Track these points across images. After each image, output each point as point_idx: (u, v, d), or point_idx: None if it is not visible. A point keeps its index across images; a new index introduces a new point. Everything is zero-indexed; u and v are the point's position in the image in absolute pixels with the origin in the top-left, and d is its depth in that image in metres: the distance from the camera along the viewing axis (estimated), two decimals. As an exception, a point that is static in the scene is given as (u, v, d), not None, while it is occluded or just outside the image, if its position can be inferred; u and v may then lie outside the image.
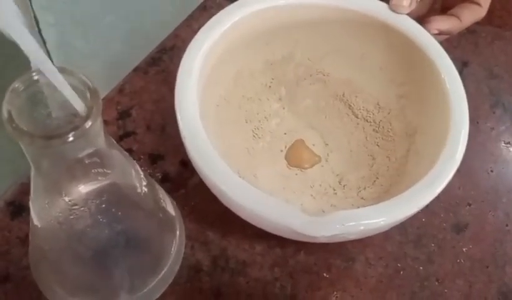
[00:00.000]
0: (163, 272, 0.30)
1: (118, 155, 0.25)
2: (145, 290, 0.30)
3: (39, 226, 0.25)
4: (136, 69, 0.42)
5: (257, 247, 0.35)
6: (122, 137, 0.38)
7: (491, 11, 0.49)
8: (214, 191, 0.30)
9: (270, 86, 0.40)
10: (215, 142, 0.31)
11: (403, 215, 0.27)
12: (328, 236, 0.26)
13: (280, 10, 0.36)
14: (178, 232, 0.31)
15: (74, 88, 0.20)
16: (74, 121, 0.20)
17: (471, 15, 0.37)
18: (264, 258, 0.34)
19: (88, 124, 0.20)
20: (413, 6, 0.35)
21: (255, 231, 0.35)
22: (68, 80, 0.20)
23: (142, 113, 0.40)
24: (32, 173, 0.23)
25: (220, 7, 0.35)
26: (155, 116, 0.40)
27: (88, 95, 0.20)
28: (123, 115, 0.39)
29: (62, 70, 0.20)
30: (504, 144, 0.41)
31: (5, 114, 0.19)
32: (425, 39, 0.35)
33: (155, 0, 0.47)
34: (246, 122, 0.38)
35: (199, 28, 0.34)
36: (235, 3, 0.34)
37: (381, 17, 0.35)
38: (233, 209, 0.30)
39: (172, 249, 0.30)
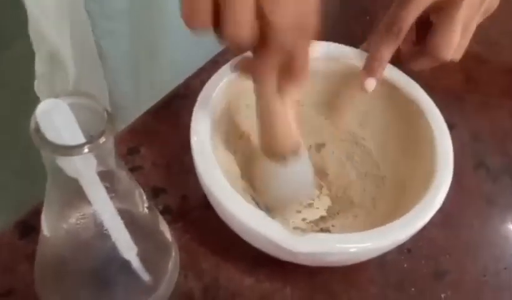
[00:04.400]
0: (156, 293, 0.32)
1: (125, 177, 0.28)
2: (138, 310, 0.32)
3: (48, 235, 0.28)
4: (147, 112, 0.46)
5: (246, 281, 0.37)
6: (130, 170, 0.41)
7: (478, 80, 0.53)
8: (210, 199, 0.34)
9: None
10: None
11: (375, 246, 0.30)
12: (305, 253, 0.29)
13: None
14: (173, 257, 0.33)
15: (94, 110, 0.24)
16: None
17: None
18: (252, 292, 0.36)
19: (102, 139, 0.23)
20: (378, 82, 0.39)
21: (246, 266, 0.37)
22: (89, 103, 0.24)
23: (150, 151, 0.43)
24: (48, 185, 0.26)
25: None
26: (162, 155, 0.43)
27: (105, 117, 0.24)
28: (132, 151, 0.43)
29: (85, 94, 0.24)
30: (486, 203, 0.44)
31: (32, 125, 0.22)
32: (417, 92, 0.39)
33: (175, 52, 0.52)
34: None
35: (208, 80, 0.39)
36: None
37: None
38: (228, 220, 0.34)
39: (167, 272, 0.33)
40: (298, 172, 0.38)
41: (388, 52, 0.39)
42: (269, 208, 0.39)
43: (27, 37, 0.60)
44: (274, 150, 0.36)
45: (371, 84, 0.39)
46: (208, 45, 0.54)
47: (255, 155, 0.40)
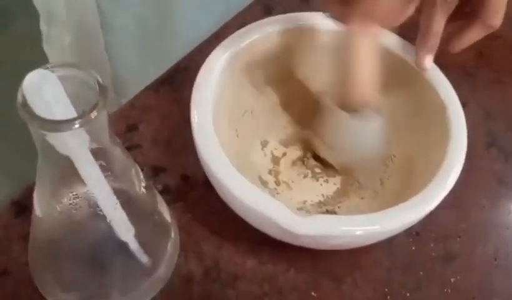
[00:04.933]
0: (155, 275, 0.31)
1: (120, 154, 0.26)
2: (135, 292, 0.31)
3: (40, 216, 0.26)
4: (148, 87, 0.45)
5: (249, 262, 0.35)
6: (128, 149, 0.40)
7: (490, 56, 0.51)
8: (210, 177, 0.33)
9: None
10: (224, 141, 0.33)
11: (382, 229, 0.29)
12: (309, 236, 0.28)
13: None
14: (172, 238, 0.32)
15: (86, 83, 0.22)
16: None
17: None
18: (255, 273, 0.35)
19: (94, 114, 0.21)
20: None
21: (248, 247, 0.36)
22: (82, 75, 0.22)
23: (149, 128, 0.42)
24: (39, 163, 0.25)
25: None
26: (162, 131, 0.42)
27: (97, 89, 0.22)
28: (131, 128, 0.41)
29: (76, 66, 0.22)
30: (497, 182, 0.42)
31: (19, 99, 0.21)
32: (433, 73, 0.37)
33: (180, 24, 0.50)
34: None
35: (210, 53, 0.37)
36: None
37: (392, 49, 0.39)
38: (228, 199, 0.32)
39: (166, 254, 0.31)
40: (368, 131, 0.37)
41: (442, 24, 0.36)
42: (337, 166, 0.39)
43: (29, 16, 0.58)
44: (347, 99, 0.35)
45: (430, 60, 0.36)
46: (218, 15, 0.51)
47: (324, 112, 0.38)
